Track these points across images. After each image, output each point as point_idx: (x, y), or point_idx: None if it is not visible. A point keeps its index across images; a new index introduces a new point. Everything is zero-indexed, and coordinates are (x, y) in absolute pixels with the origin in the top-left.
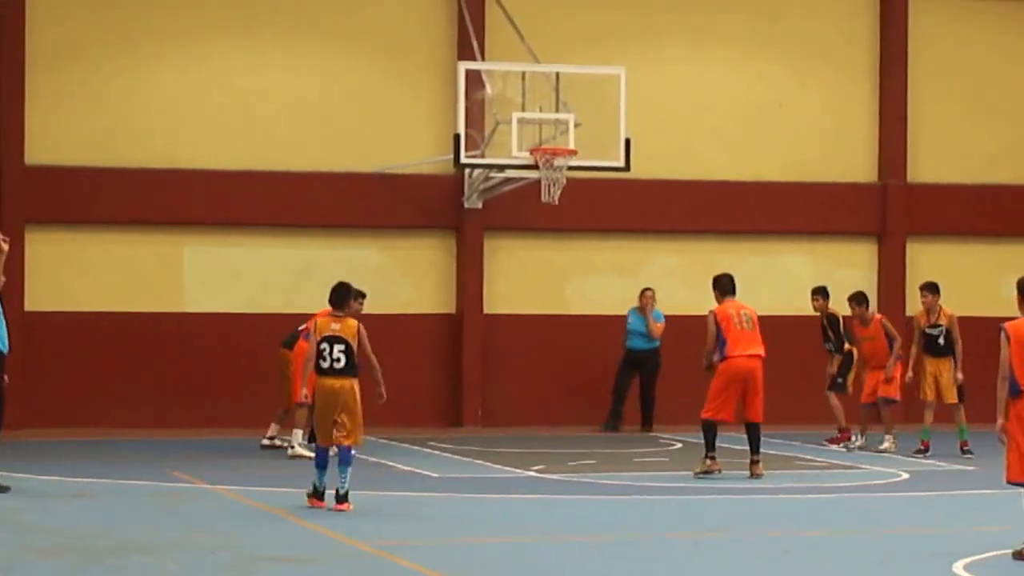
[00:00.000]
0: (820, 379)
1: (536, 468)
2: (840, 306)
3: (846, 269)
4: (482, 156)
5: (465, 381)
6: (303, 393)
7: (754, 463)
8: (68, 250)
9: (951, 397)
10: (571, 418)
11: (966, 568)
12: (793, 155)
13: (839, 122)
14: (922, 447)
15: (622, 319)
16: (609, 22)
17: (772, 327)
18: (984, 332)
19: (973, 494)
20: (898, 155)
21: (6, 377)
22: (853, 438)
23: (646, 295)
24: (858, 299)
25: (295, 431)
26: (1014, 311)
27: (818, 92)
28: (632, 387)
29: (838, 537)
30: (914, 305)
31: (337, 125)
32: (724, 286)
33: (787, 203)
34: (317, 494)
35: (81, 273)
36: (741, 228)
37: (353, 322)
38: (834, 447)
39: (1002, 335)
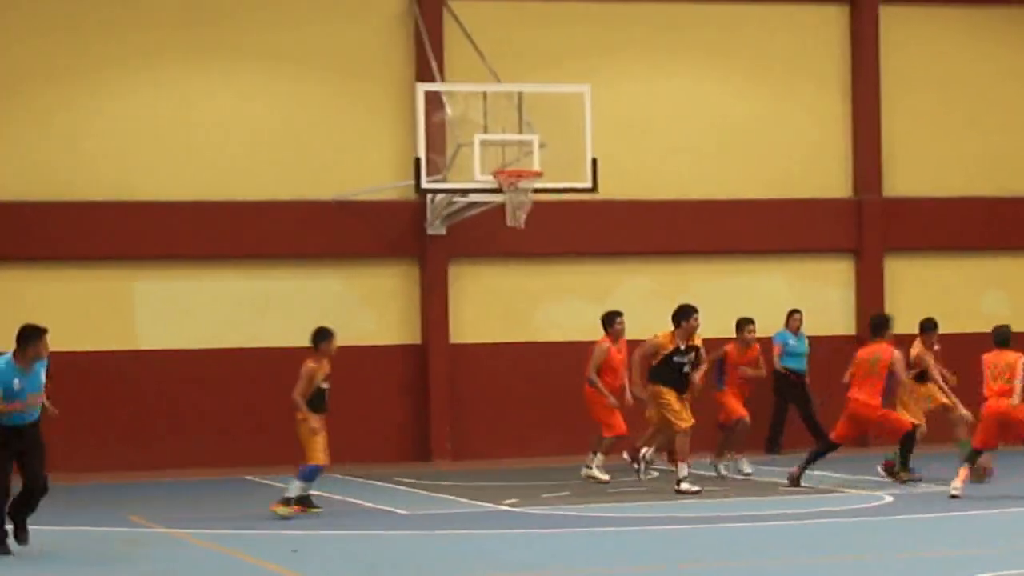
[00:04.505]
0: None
1: (509, 502)
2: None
3: (823, 287)
4: (444, 180)
5: (433, 413)
6: None
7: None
8: (11, 289)
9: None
10: (544, 449)
11: None
12: (766, 172)
13: (812, 137)
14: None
15: (593, 345)
16: (573, 39)
17: None
18: (964, 348)
19: (958, 515)
20: (873, 169)
21: None
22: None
23: (796, 317)
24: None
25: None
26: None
27: (790, 107)
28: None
29: (823, 564)
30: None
31: (293, 151)
32: None
33: (761, 221)
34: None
35: (26, 312)
36: (714, 248)
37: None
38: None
39: None
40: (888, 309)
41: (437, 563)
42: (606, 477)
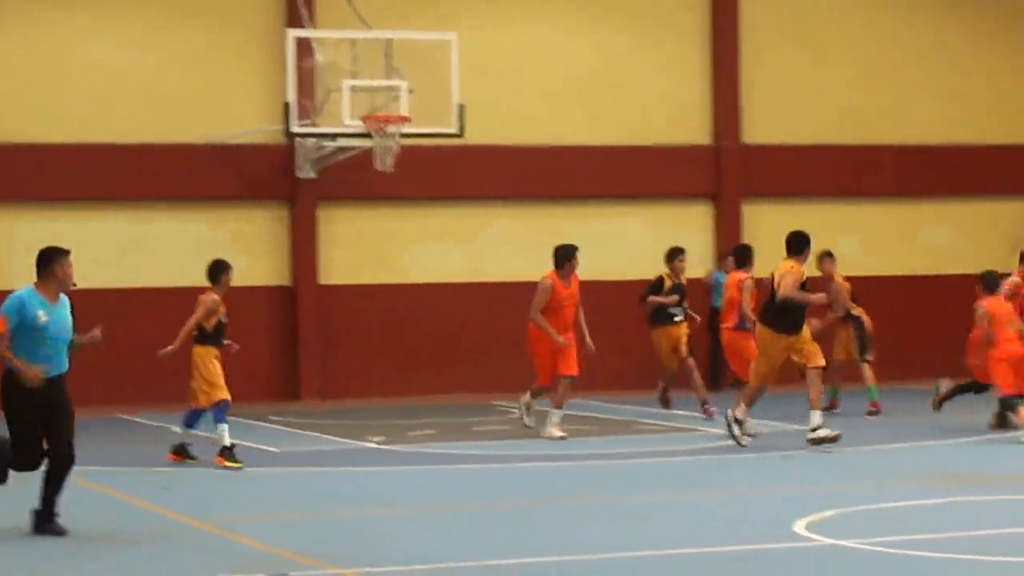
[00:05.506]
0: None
1: (376, 440)
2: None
3: (683, 231)
4: (314, 125)
5: (302, 353)
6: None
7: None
8: None
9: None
10: (410, 389)
11: (807, 528)
12: (627, 118)
13: (673, 85)
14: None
15: (461, 287)
16: None
17: (613, 292)
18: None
19: (812, 454)
20: (731, 117)
21: None
22: None
23: (730, 259)
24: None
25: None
26: (850, 271)
27: (651, 55)
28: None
29: (681, 500)
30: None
31: (164, 96)
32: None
33: (623, 167)
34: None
35: None
36: (578, 193)
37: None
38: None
39: None
40: None
41: (305, 499)
42: (561, 433)
